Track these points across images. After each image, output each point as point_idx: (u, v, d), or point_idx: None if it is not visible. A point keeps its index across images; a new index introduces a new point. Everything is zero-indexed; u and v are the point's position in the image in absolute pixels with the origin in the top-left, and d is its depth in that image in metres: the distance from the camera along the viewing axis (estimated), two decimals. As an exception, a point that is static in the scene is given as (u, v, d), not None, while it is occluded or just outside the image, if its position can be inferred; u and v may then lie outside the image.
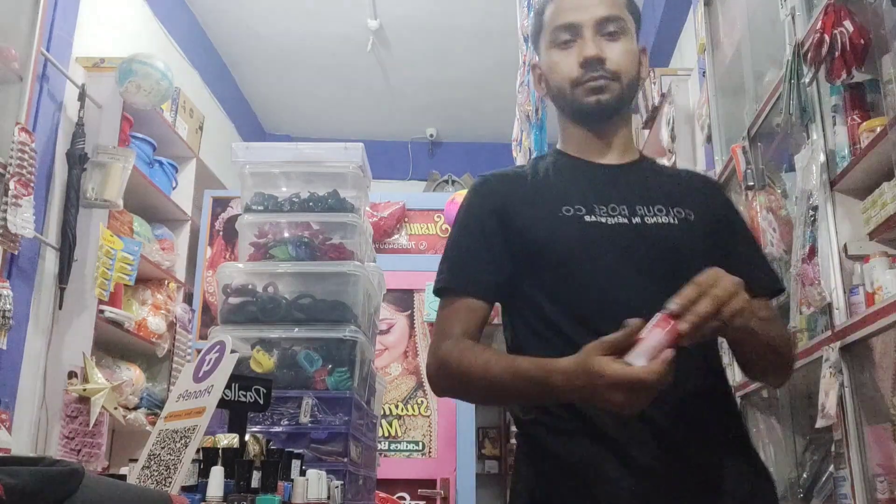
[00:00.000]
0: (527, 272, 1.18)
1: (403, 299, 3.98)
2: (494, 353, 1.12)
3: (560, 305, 1.14)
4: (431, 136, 5.98)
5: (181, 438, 1.40)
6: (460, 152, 6.01)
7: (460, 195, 3.96)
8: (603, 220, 1.16)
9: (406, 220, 4.13)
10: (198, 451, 1.46)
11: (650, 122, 3.75)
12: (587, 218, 1.16)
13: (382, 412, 3.60)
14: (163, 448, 1.42)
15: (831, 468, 1.96)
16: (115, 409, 2.95)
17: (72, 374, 2.87)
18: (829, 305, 1.93)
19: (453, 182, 5.68)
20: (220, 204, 4.09)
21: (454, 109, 5.64)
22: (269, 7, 4.50)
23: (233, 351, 1.54)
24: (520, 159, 3.18)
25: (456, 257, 1.22)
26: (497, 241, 1.19)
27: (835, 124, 1.98)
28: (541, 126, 2.80)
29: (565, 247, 1.15)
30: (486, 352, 1.12)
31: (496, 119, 5.34)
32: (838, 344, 1.85)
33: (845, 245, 1.92)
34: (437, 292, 1.23)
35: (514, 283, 1.19)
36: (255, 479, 1.47)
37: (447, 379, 1.15)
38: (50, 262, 2.99)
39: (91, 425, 2.83)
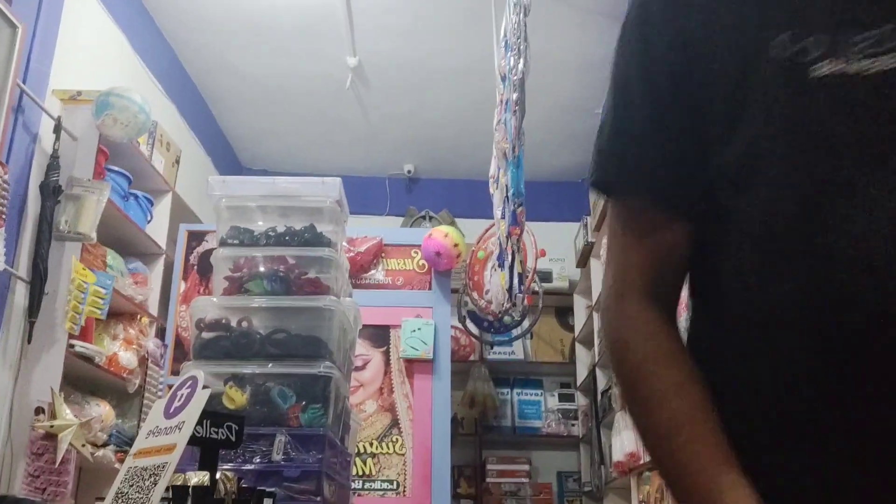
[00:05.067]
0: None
1: (379, 335, 3.96)
2: (681, 386, 0.69)
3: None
4: (409, 172, 6.00)
5: (150, 476, 1.37)
6: (438, 188, 6.04)
7: (437, 231, 3.97)
8: (866, 64, 0.60)
9: (383, 255, 4.12)
10: (167, 489, 1.43)
11: None
12: (824, 67, 0.62)
13: (357, 450, 3.55)
14: (131, 486, 1.39)
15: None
16: (83, 445, 2.89)
17: (39, 410, 2.81)
18: None
19: (431, 218, 5.69)
20: (195, 237, 4.06)
21: (432, 146, 5.68)
22: (248, 42, 4.52)
23: (205, 387, 1.51)
24: (496, 197, 3.20)
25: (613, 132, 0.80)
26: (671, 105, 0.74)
27: None
28: (517, 163, 2.82)
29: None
30: (671, 371, 0.70)
31: (473, 156, 5.37)
32: None
33: None
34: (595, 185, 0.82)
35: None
36: (226, 518, 1.44)
37: (613, 364, 0.78)
38: (20, 295, 2.94)
39: (57, 463, 2.77)
